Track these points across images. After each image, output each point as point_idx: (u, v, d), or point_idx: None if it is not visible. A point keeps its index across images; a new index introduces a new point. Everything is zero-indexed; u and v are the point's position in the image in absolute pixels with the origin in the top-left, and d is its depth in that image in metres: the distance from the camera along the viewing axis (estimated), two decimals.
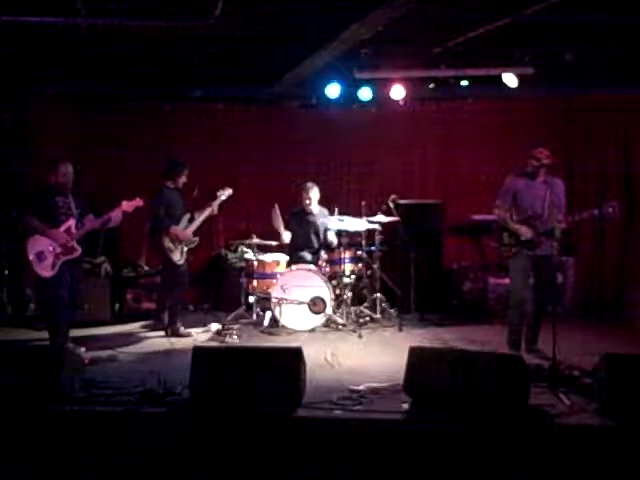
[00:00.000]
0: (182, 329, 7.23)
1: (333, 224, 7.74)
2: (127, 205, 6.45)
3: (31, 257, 6.16)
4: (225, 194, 7.48)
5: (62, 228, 6.22)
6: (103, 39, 6.63)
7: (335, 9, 5.53)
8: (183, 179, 7.33)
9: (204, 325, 7.47)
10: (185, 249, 7.25)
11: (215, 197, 7.45)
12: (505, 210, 6.14)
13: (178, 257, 7.19)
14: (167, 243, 7.14)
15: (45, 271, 6.17)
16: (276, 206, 7.84)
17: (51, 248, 6.16)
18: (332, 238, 8.03)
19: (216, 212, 7.45)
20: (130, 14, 5.86)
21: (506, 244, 6.13)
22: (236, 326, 7.27)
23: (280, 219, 7.87)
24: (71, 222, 6.27)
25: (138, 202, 6.53)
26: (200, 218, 7.33)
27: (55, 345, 6.10)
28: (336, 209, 7.71)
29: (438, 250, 8.59)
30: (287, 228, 7.95)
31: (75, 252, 6.27)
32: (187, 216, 7.30)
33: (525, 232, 5.99)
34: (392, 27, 5.68)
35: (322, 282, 7.30)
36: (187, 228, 7.26)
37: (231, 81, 8.03)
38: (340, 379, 5.45)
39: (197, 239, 7.35)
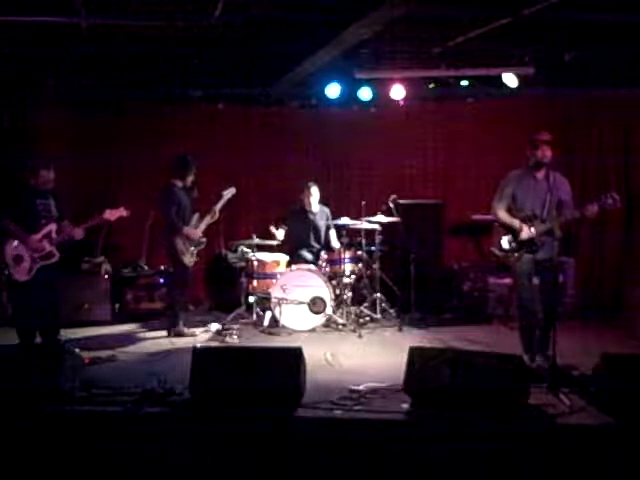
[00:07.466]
0: (185, 329, 7.18)
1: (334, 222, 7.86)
2: (110, 214, 6.25)
3: (8, 260, 6.03)
4: (229, 193, 7.37)
5: (42, 232, 6.05)
6: (103, 39, 6.63)
7: (335, 9, 5.53)
8: (191, 177, 7.18)
9: (204, 325, 7.47)
10: (195, 250, 7.18)
11: (220, 197, 7.34)
12: (504, 209, 5.90)
13: (189, 259, 7.14)
14: (180, 245, 7.04)
15: (20, 275, 6.02)
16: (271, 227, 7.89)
17: (29, 253, 6.00)
18: (334, 242, 8.02)
19: (217, 214, 7.36)
20: (130, 14, 5.86)
21: (506, 250, 5.89)
22: (236, 326, 7.27)
23: (272, 230, 7.88)
24: (51, 227, 6.09)
25: (122, 212, 6.33)
26: (207, 217, 7.26)
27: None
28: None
29: (438, 250, 8.59)
30: (284, 225, 7.92)
31: (53, 258, 6.09)
32: (196, 215, 7.22)
33: (525, 231, 5.74)
34: (392, 27, 5.67)
35: (322, 282, 7.30)
36: (197, 228, 7.19)
37: (231, 81, 8.03)
38: (340, 379, 5.45)
39: (205, 239, 7.32)
